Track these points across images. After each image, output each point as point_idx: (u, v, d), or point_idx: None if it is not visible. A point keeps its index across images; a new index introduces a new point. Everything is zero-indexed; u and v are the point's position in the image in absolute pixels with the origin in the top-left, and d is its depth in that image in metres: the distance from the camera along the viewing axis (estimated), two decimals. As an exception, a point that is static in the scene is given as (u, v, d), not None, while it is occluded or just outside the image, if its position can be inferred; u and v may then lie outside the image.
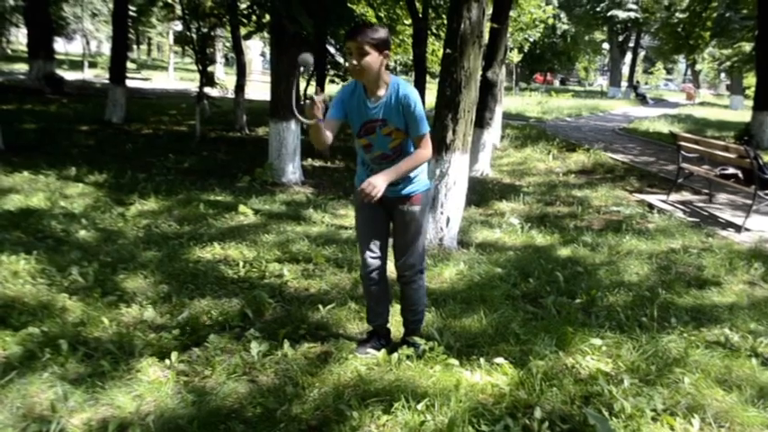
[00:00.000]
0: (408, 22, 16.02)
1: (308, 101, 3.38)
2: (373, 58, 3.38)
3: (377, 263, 3.84)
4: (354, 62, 3.39)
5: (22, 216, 6.75)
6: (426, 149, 3.58)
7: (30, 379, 3.47)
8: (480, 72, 6.71)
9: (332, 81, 14.31)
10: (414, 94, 3.51)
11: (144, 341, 3.99)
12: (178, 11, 14.44)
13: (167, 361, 3.72)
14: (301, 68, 3.42)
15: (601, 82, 74.85)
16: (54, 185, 8.23)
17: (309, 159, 11.38)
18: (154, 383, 3.50)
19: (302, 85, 12.35)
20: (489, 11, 11.52)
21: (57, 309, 4.42)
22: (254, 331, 4.19)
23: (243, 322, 4.41)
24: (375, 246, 3.83)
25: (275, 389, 3.52)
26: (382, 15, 16.08)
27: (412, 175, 3.68)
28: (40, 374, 3.53)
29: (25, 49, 26.26)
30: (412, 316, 4.03)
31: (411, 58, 18.35)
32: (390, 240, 3.91)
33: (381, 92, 3.53)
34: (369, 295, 4.03)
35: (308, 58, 3.35)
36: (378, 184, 3.38)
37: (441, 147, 6.30)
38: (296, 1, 9.07)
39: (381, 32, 3.41)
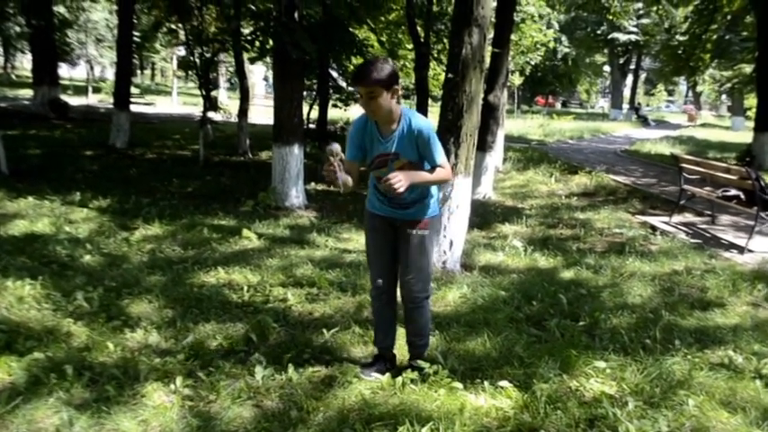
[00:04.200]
0: (410, 46, 16.15)
1: (324, 172, 3.45)
2: (383, 98, 3.42)
3: (386, 284, 3.89)
4: (365, 105, 3.44)
5: (27, 241, 6.78)
6: (447, 171, 3.64)
7: (35, 404, 3.49)
8: (482, 96, 6.76)
9: (334, 105, 14.38)
10: (426, 124, 3.54)
11: (149, 366, 4.00)
12: (182, 36, 14.55)
13: (172, 386, 3.73)
14: (330, 157, 3.46)
15: (602, 104, 75.11)
16: (59, 210, 8.27)
17: (312, 183, 11.42)
18: (159, 408, 3.50)
19: (305, 108, 12.41)
20: (490, 35, 11.62)
21: (62, 334, 4.44)
22: (258, 355, 4.20)
23: (247, 346, 4.42)
24: (385, 267, 3.88)
25: (280, 413, 3.53)
26: (384, 40, 16.20)
27: (424, 197, 3.73)
28: (46, 400, 3.54)
29: (30, 74, 26.44)
30: (418, 340, 4.04)
31: (413, 81, 18.46)
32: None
33: (393, 126, 3.56)
34: (378, 317, 4.06)
35: (335, 148, 3.43)
36: (403, 178, 3.37)
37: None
38: (299, 27, 9.17)
39: (387, 69, 3.41)
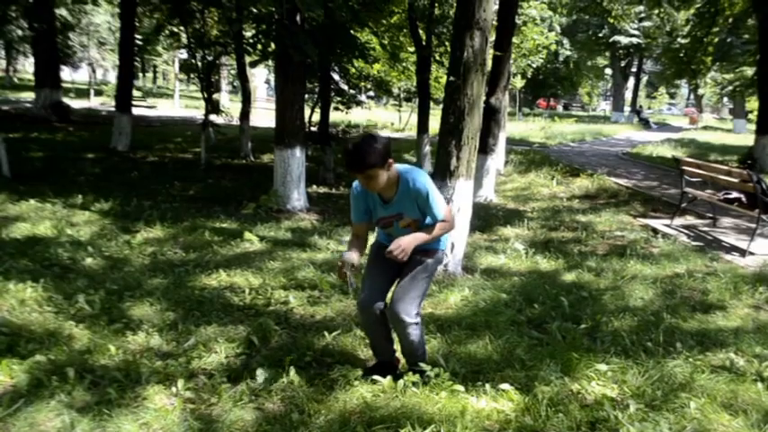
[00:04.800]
0: (412, 49, 16.15)
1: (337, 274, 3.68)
2: (380, 176, 3.48)
3: (374, 309, 3.81)
4: (364, 184, 3.56)
5: (29, 244, 6.79)
6: (450, 224, 3.74)
7: (37, 407, 3.49)
8: (483, 99, 6.76)
9: (336, 108, 14.39)
10: (424, 181, 3.57)
11: (150, 369, 4.01)
12: (184, 39, 14.56)
13: (174, 388, 3.74)
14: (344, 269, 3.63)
15: (604, 107, 75.14)
16: (60, 213, 8.28)
17: (314, 186, 11.42)
18: (160, 411, 3.51)
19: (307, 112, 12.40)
20: (492, 38, 11.63)
21: (63, 337, 4.45)
22: (260, 358, 4.21)
23: (249, 349, 4.42)
24: (376, 292, 3.84)
25: (281, 416, 3.54)
26: (386, 43, 16.20)
27: (430, 245, 3.80)
28: (48, 403, 3.54)
29: (32, 77, 26.47)
30: (411, 359, 4.00)
31: (415, 84, 18.47)
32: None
33: (393, 191, 3.64)
34: (367, 333, 4.10)
35: (348, 258, 3.62)
36: (406, 246, 3.49)
37: (444, 173, 6.35)
38: (301, 30, 9.18)
39: (377, 148, 3.41)
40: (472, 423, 3.43)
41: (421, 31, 14.23)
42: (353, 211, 3.79)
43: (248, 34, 13.12)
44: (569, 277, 6.61)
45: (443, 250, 3.94)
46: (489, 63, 11.92)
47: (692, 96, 70.02)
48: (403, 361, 4.12)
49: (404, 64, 18.87)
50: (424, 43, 14.19)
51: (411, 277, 3.75)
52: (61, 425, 3.34)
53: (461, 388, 3.78)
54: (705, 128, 45.38)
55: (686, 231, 9.20)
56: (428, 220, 3.69)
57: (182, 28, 14.36)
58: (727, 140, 30.73)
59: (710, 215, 9.99)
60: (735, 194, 9.00)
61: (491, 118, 11.32)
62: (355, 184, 3.76)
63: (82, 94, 35.90)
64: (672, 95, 76.44)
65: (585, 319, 5.19)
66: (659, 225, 9.55)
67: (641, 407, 3.67)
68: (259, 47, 10.84)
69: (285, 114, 9.60)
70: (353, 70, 15.18)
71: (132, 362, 4.10)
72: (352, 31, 12.49)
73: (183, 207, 9.41)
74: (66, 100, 24.01)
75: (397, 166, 3.62)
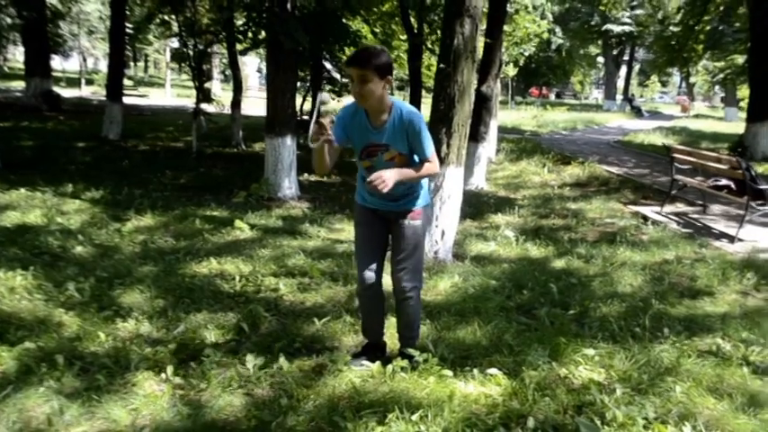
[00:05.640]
0: (404, 37, 16.14)
1: (314, 125, 3.35)
2: (375, 85, 3.38)
3: (374, 279, 3.84)
4: (357, 89, 3.41)
5: (19, 232, 6.77)
6: (435, 165, 3.64)
7: (26, 393, 3.50)
8: (474, 86, 6.76)
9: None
10: (417, 116, 3.52)
11: (140, 355, 4.01)
12: (175, 28, 14.51)
13: (163, 375, 3.75)
14: (320, 105, 3.43)
15: (596, 95, 75.18)
16: (51, 202, 8.26)
17: (305, 174, 11.42)
18: (150, 397, 3.52)
19: (298, 101, 12.38)
20: (483, 26, 11.61)
21: (53, 324, 4.44)
22: (249, 345, 4.23)
23: (239, 336, 4.43)
24: (373, 262, 3.83)
25: (270, 401, 3.55)
26: (377, 31, 16.18)
27: (414, 190, 3.73)
28: (37, 389, 3.55)
29: (22, 66, 26.32)
30: (408, 332, 4.03)
31: (407, 73, 18.46)
32: (388, 255, 3.93)
33: (384, 116, 3.53)
34: (365, 310, 4.06)
35: (326, 97, 3.39)
36: (387, 177, 3.37)
37: (435, 160, 6.35)
38: (292, 17, 9.16)
39: (383, 57, 3.39)
40: (460, 407, 3.45)
41: (412, 19, 14.22)
42: (333, 128, 3.52)
43: (239, 22, 13.06)
44: (559, 264, 6.64)
45: (428, 206, 3.91)
46: (480, 51, 11.92)
47: (683, 85, 70.08)
48: (391, 345, 4.14)
49: (396, 52, 18.83)
50: (415, 31, 14.18)
51: (406, 244, 3.75)
52: (50, 410, 3.34)
53: (450, 373, 3.80)
54: (697, 116, 45.51)
55: (676, 218, 9.24)
56: (415, 158, 3.63)
57: (173, 16, 14.32)
58: (719, 128, 30.83)
59: (700, 202, 10.04)
60: (724, 182, 9.05)
61: (482, 106, 11.32)
62: (346, 105, 3.69)
63: (73, 83, 35.77)
64: (664, 84, 76.47)
65: (574, 305, 5.22)
66: (649, 212, 9.60)
67: (627, 391, 3.69)
68: (249, 35, 10.82)
69: (276, 102, 9.58)
70: (345, 58, 15.16)
71: (122, 348, 4.11)
72: (343, 19, 12.48)
73: (174, 195, 9.40)
74: (56, 89, 23.90)
75: (393, 98, 3.57)
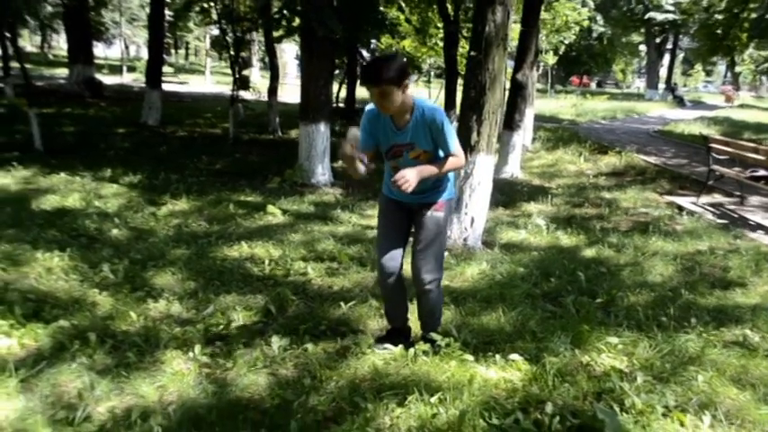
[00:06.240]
0: (440, 25, 16.08)
1: (343, 152, 3.41)
2: (395, 95, 3.40)
3: (394, 268, 3.86)
4: (378, 102, 3.46)
5: (58, 215, 6.97)
6: (459, 159, 3.66)
7: (59, 369, 3.63)
8: (507, 74, 6.74)
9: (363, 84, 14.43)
10: (439, 113, 3.54)
11: (169, 335, 4.12)
12: (214, 15, 14.67)
13: (191, 353, 3.85)
14: (350, 141, 3.45)
15: (638, 84, 74.04)
16: (89, 186, 8.47)
17: (340, 161, 11.48)
18: (177, 375, 3.62)
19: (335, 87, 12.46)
20: (518, 14, 11.55)
21: (87, 303, 4.59)
22: (276, 326, 4.32)
23: (266, 318, 4.53)
24: (393, 251, 3.86)
25: (294, 381, 3.63)
26: (413, 19, 16.14)
27: (440, 183, 3.76)
28: (69, 365, 3.68)
29: (66, 53, 26.81)
30: (430, 319, 4.07)
31: (443, 60, 18.40)
32: (409, 247, 3.95)
33: (407, 116, 3.57)
34: (386, 298, 4.10)
35: (356, 133, 3.43)
36: (411, 177, 3.40)
37: (465, 148, 6.34)
38: (326, 5, 9.19)
39: (395, 65, 3.39)
40: (479, 391, 3.49)
41: (449, 6, 14.16)
42: (360, 136, 3.58)
43: (275, 9, 13.15)
44: (589, 253, 6.61)
45: (453, 199, 3.94)
46: (515, 39, 11.85)
47: (728, 74, 68.63)
48: (415, 329, 4.19)
49: (433, 40, 18.78)
50: (451, 19, 14.12)
51: (427, 235, 3.77)
52: (82, 385, 3.47)
53: (471, 357, 3.83)
54: (741, 106, 44.48)
55: (712, 209, 9.11)
56: (440, 153, 3.64)
57: (212, 4, 14.47)
58: (763, 119, 30.13)
59: (738, 193, 9.87)
60: (762, 172, 8.89)
61: (517, 94, 11.23)
62: (369, 107, 3.71)
63: (115, 70, 36.32)
64: (708, 73, 74.89)
65: (601, 294, 5.19)
66: (685, 202, 9.47)
67: (649, 379, 3.69)
68: (284, 22, 10.88)
69: (310, 89, 9.64)
70: (382, 46, 15.18)
71: (152, 328, 4.22)
72: (379, 7, 12.50)
73: (210, 181, 9.55)
74: (99, 76, 24.32)
75: (414, 96, 3.60)
